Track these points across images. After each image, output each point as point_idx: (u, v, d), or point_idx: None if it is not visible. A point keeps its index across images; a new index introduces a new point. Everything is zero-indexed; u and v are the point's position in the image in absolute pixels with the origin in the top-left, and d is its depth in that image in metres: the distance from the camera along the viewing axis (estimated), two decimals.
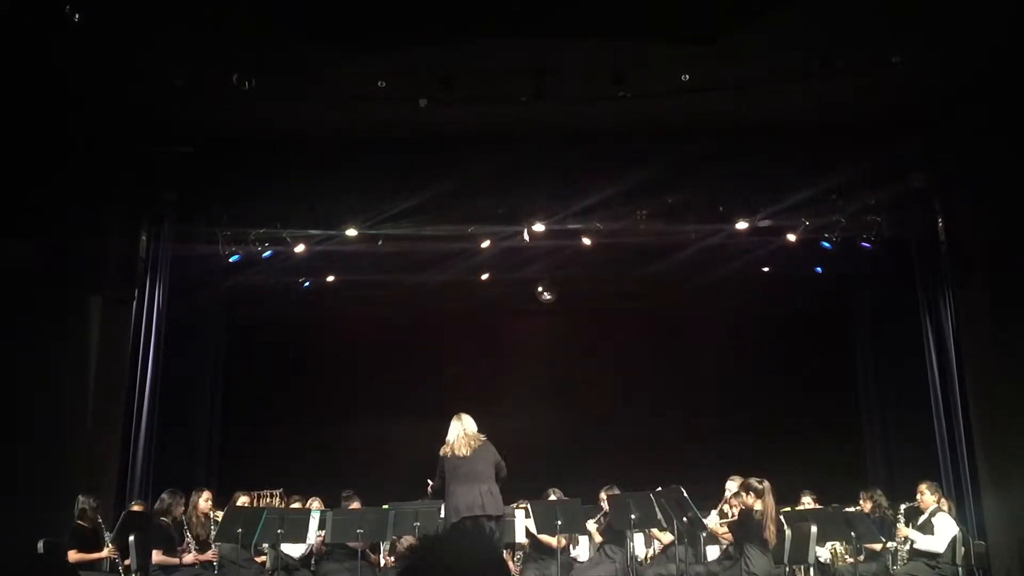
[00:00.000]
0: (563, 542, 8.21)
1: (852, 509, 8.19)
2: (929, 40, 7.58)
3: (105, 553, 7.43)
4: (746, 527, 7.42)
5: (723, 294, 11.11)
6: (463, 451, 7.31)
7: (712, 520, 7.82)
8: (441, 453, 7.40)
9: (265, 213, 10.12)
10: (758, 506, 7.39)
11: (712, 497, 8.21)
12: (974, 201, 8.98)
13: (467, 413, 7.55)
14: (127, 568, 7.41)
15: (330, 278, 11.35)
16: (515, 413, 10.53)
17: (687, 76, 8.09)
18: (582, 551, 8.58)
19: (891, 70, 7.82)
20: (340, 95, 8.41)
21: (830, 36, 7.57)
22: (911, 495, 8.10)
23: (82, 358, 8.80)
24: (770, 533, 7.33)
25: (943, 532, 7.68)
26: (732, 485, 8.10)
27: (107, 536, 7.52)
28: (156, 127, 9.07)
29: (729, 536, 7.74)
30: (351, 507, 8.63)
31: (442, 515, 8.17)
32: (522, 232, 10.22)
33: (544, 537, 8.18)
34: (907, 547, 7.80)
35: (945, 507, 7.96)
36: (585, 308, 11.83)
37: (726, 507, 7.97)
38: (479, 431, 7.49)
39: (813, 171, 9.33)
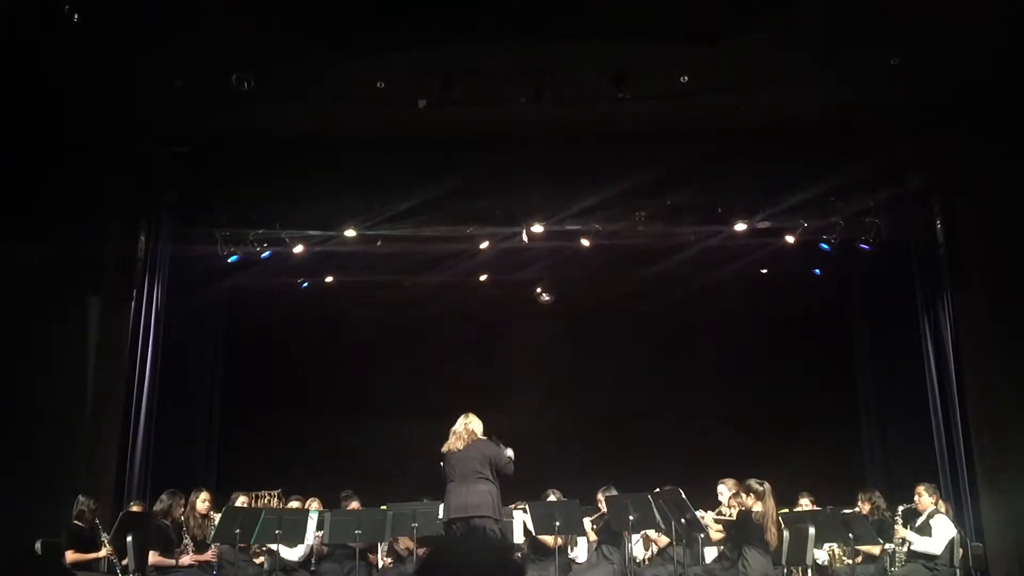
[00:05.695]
0: (560, 541, 8.20)
1: (850, 511, 8.19)
2: (928, 42, 7.59)
3: (103, 553, 7.43)
4: (745, 529, 7.41)
5: (722, 296, 11.11)
6: (457, 445, 7.25)
7: (706, 517, 7.80)
8: (442, 450, 7.36)
9: (264, 213, 10.13)
10: (758, 507, 7.39)
11: (710, 498, 8.21)
12: (973, 203, 8.99)
13: (466, 414, 7.53)
14: (124, 569, 7.40)
15: (329, 279, 11.35)
16: (514, 414, 10.50)
17: (686, 77, 8.10)
18: (580, 552, 8.57)
19: (890, 71, 7.83)
20: (339, 95, 8.42)
21: (829, 37, 7.58)
22: (909, 497, 8.10)
23: (81, 359, 8.79)
24: (771, 535, 7.32)
25: (941, 534, 7.69)
26: (724, 489, 8.10)
27: (104, 537, 7.51)
28: (155, 127, 9.07)
29: (722, 532, 7.74)
30: (350, 507, 8.64)
31: (440, 516, 8.21)
32: (521, 233, 10.22)
33: (543, 538, 8.18)
34: (905, 549, 7.80)
35: (943, 509, 7.97)
36: (584, 309, 11.82)
37: (725, 510, 7.96)
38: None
39: (812, 173, 9.34)
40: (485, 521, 6.97)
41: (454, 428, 7.39)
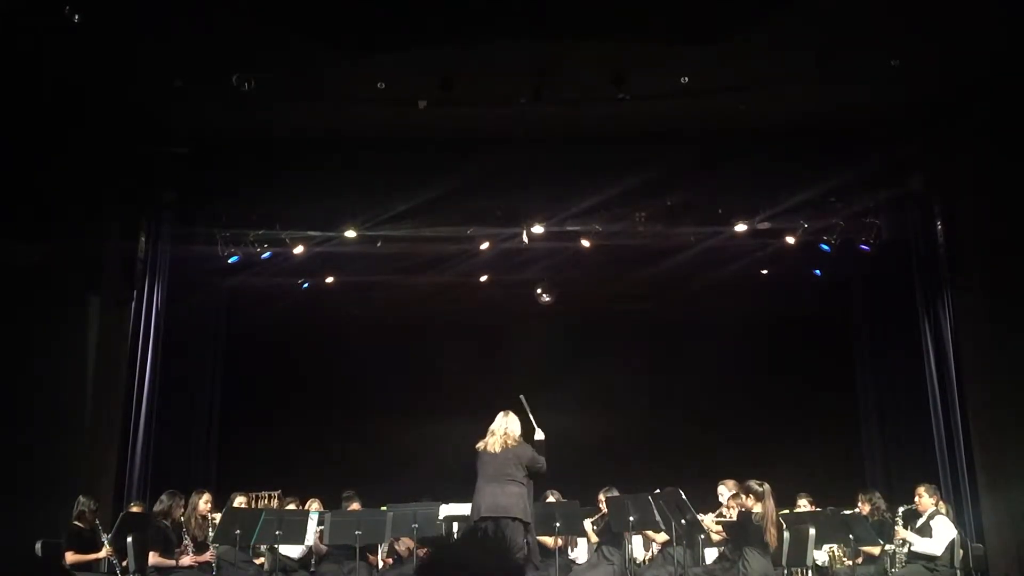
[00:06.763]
0: (560, 542, 8.20)
1: (850, 511, 8.19)
2: (928, 43, 7.59)
3: (103, 554, 7.43)
4: (745, 529, 7.40)
5: (722, 296, 11.11)
6: (495, 448, 7.25)
7: (707, 518, 7.81)
8: (477, 447, 7.35)
9: (264, 214, 10.14)
10: (758, 508, 7.38)
11: (710, 498, 8.20)
12: (973, 203, 8.98)
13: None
14: (124, 569, 7.40)
15: (329, 279, 11.35)
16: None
17: (686, 78, 8.10)
18: (580, 553, 8.57)
19: (890, 72, 7.83)
20: (340, 96, 8.42)
21: (829, 38, 7.57)
22: (909, 498, 8.10)
23: (81, 358, 8.79)
24: (771, 536, 7.31)
25: (941, 535, 7.68)
26: (724, 490, 8.09)
27: (105, 537, 7.50)
28: (155, 127, 9.07)
29: (722, 533, 7.74)
30: (351, 508, 8.63)
31: (440, 517, 8.21)
32: (521, 234, 10.23)
33: (543, 538, 8.17)
34: (905, 550, 7.79)
35: (943, 510, 7.96)
36: (584, 310, 11.82)
37: (725, 511, 7.96)
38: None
39: (812, 173, 9.35)
40: (512, 523, 7.00)
41: (492, 427, 7.37)
